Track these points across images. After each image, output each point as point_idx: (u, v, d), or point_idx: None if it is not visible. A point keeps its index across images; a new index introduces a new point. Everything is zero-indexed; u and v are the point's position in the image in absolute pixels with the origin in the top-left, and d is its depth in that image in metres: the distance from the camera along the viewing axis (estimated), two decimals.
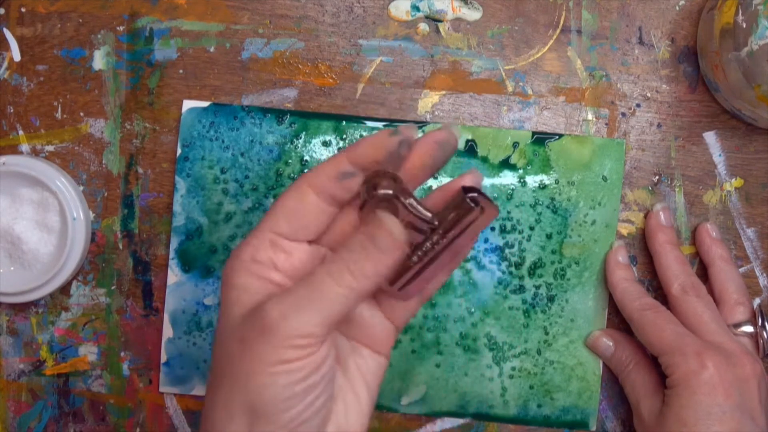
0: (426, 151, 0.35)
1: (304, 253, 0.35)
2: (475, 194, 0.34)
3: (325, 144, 0.50)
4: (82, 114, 0.51)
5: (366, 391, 0.36)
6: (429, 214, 0.34)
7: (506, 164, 0.50)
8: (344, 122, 0.50)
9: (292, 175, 0.50)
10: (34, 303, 0.51)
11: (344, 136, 0.50)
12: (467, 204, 0.34)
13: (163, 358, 0.50)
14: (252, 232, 0.35)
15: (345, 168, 0.34)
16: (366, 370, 0.37)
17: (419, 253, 0.34)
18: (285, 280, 0.35)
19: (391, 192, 0.33)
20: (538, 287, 0.50)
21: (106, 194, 0.51)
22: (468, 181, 0.36)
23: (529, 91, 0.51)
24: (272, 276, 0.34)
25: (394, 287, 0.35)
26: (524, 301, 0.50)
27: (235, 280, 0.34)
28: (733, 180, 0.50)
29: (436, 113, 0.51)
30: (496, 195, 0.50)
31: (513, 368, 0.50)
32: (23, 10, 0.51)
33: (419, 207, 0.33)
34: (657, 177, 0.51)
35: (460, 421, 0.51)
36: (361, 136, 0.50)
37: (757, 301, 0.50)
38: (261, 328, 0.32)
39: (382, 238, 0.32)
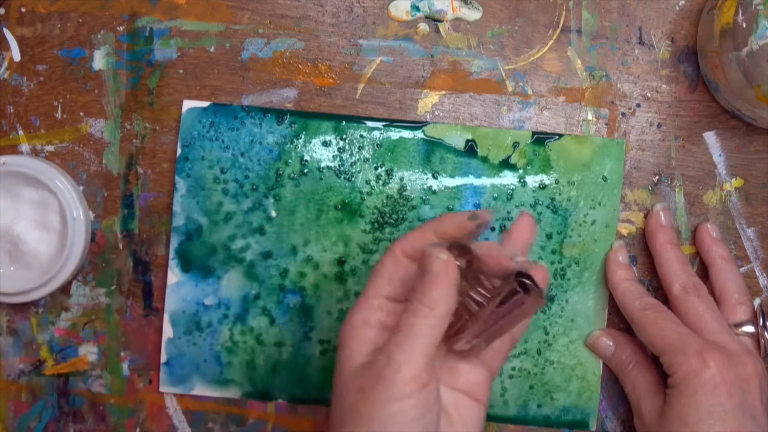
0: (495, 247, 0.42)
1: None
2: (526, 280, 0.39)
3: (325, 144, 0.50)
4: (82, 114, 0.51)
5: None
6: (489, 286, 0.40)
7: (506, 164, 0.50)
8: (344, 122, 0.50)
9: (292, 175, 0.50)
10: (34, 303, 0.51)
11: (344, 136, 0.50)
12: (515, 287, 0.39)
13: (163, 358, 0.50)
14: (360, 298, 0.41)
15: (431, 239, 0.41)
16: (467, 418, 0.42)
17: (475, 318, 0.40)
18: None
19: (461, 262, 0.39)
20: None
21: (106, 194, 0.51)
22: (528, 269, 0.41)
23: (529, 91, 0.51)
24: (380, 335, 0.40)
25: (451, 343, 0.41)
26: None
27: (347, 341, 0.40)
28: (733, 180, 0.50)
29: (436, 113, 0.51)
30: (496, 195, 0.50)
31: (513, 368, 0.50)
32: (23, 10, 0.51)
33: (483, 279, 0.40)
34: (657, 177, 0.51)
35: None
36: (361, 136, 0.50)
37: (757, 301, 0.50)
38: (375, 375, 0.38)
39: (432, 264, 0.38)
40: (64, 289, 0.51)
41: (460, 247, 0.40)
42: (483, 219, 0.41)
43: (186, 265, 0.50)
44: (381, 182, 0.50)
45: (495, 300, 0.40)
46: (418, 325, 0.38)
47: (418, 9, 0.50)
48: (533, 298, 0.39)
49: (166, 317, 0.50)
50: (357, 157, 0.50)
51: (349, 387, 0.39)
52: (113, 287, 0.51)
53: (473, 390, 0.42)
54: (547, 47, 0.51)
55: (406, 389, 0.37)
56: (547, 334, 0.50)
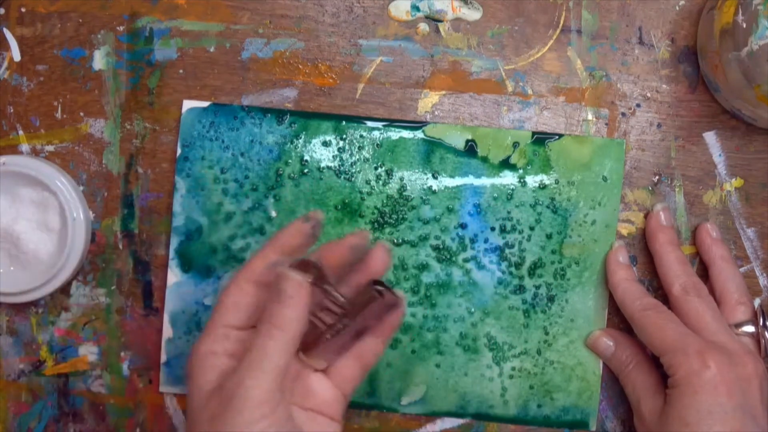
0: (341, 254, 0.42)
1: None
2: (381, 287, 0.41)
3: (325, 144, 0.50)
4: (82, 114, 0.51)
5: None
6: (342, 299, 0.41)
7: (506, 164, 0.50)
8: (344, 122, 0.50)
9: (292, 175, 0.50)
10: (34, 303, 0.51)
11: (344, 136, 0.50)
12: (373, 294, 0.41)
13: (163, 358, 0.50)
14: (206, 327, 0.41)
15: (273, 258, 0.41)
16: None
17: (332, 331, 0.41)
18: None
19: (311, 279, 0.39)
20: (538, 287, 0.50)
21: (106, 194, 0.51)
22: (374, 268, 0.43)
23: (529, 91, 0.51)
24: (227, 362, 0.39)
25: (311, 357, 0.42)
26: (524, 301, 0.50)
27: (195, 371, 0.40)
28: (733, 180, 0.50)
29: (436, 113, 0.51)
30: (496, 195, 0.50)
31: (513, 368, 0.50)
32: (23, 10, 0.51)
33: (334, 293, 0.40)
34: (657, 177, 0.51)
35: (460, 421, 0.51)
36: (361, 136, 0.50)
37: (757, 301, 0.50)
38: (225, 402, 0.37)
39: (286, 285, 0.38)
40: (64, 289, 0.51)
41: (304, 264, 0.40)
42: (315, 219, 0.42)
43: (186, 265, 0.50)
44: (381, 182, 0.50)
45: (353, 309, 0.41)
46: (270, 347, 0.37)
47: (418, 9, 0.50)
48: (389, 301, 0.41)
49: (166, 317, 0.50)
50: (357, 157, 0.50)
51: (200, 417, 0.38)
52: (113, 287, 0.51)
53: (327, 409, 0.42)
54: (547, 47, 0.51)
55: (258, 413, 0.37)
56: (547, 334, 0.50)
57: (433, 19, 0.51)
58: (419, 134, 0.50)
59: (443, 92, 0.51)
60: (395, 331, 0.43)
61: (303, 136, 0.50)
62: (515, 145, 0.50)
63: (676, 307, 0.47)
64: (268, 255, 0.41)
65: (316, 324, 0.41)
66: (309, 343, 0.41)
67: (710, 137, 0.50)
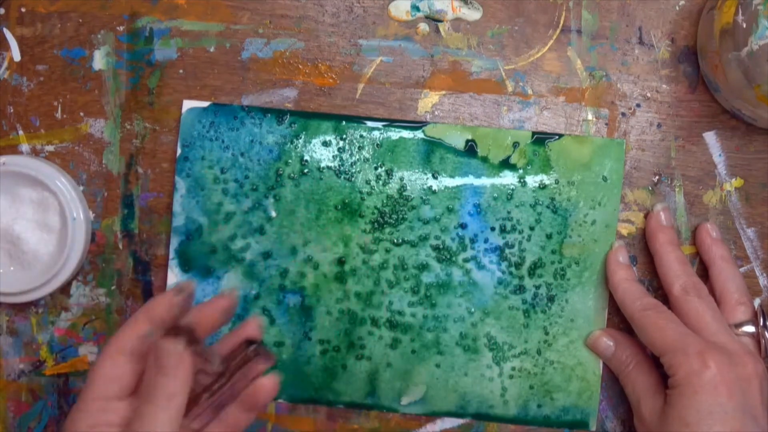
0: (212, 316, 0.42)
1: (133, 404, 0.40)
2: (255, 346, 0.41)
3: (325, 144, 0.50)
4: (82, 114, 0.51)
5: None
6: (217, 361, 0.41)
7: (506, 164, 0.50)
8: (344, 122, 0.50)
9: (292, 175, 0.50)
10: (34, 303, 0.51)
11: (344, 136, 0.50)
12: (248, 354, 0.41)
13: None
14: (80, 401, 0.39)
15: (145, 329, 0.40)
16: None
17: (208, 392, 0.41)
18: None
19: (183, 342, 0.38)
20: (538, 287, 0.50)
21: (106, 194, 0.51)
22: (250, 332, 0.43)
23: (529, 91, 0.51)
24: None
25: (187, 418, 0.41)
26: (524, 301, 0.50)
27: None
28: (733, 180, 0.50)
29: (436, 113, 0.51)
30: (496, 195, 0.50)
31: (513, 368, 0.50)
32: (23, 10, 0.51)
33: (208, 355, 0.40)
34: (657, 177, 0.51)
35: (460, 421, 0.51)
36: (361, 136, 0.50)
37: (757, 301, 0.50)
38: None
39: (167, 359, 0.38)
40: (64, 289, 0.51)
41: (176, 328, 0.39)
42: (188, 290, 0.41)
43: (186, 265, 0.50)
44: (381, 182, 0.50)
45: (227, 370, 0.41)
46: (160, 418, 0.37)
47: (418, 9, 0.50)
48: (265, 360, 0.41)
49: None
50: (357, 157, 0.50)
51: None
52: (113, 287, 0.51)
53: None
54: (547, 47, 0.51)
55: None
56: (547, 334, 0.50)
57: (433, 19, 0.51)
58: (419, 134, 0.50)
59: (443, 92, 0.51)
60: (265, 404, 0.43)
61: (303, 136, 0.50)
62: (515, 145, 0.50)
63: (676, 307, 0.47)
64: (138, 325, 0.41)
65: (193, 387, 0.40)
66: (186, 405, 0.41)
67: (710, 137, 0.50)
